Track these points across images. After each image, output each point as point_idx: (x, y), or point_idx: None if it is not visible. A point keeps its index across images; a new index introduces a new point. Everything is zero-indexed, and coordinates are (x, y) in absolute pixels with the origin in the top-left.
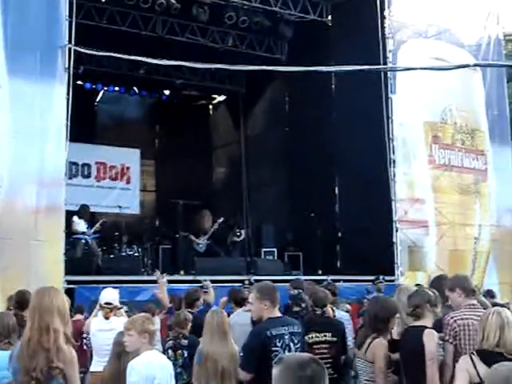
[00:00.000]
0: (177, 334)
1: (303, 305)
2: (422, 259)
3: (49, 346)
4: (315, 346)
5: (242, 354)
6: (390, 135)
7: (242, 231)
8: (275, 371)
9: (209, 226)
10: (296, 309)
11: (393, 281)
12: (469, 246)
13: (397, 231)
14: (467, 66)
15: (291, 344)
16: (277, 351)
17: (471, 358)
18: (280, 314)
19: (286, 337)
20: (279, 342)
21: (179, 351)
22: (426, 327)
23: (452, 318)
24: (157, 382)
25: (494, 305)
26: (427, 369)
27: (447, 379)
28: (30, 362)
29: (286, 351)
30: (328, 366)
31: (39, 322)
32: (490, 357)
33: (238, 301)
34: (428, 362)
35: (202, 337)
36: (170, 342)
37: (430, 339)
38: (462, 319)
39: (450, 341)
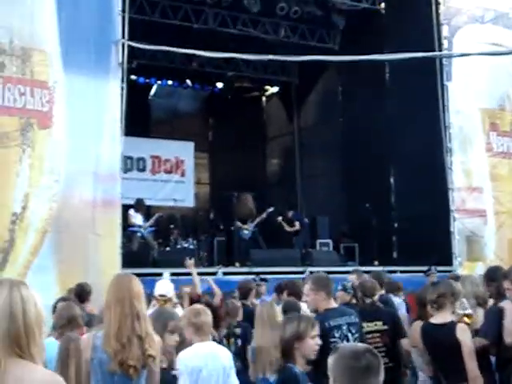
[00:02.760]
0: (228, 324)
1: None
2: (480, 249)
3: (141, 333)
4: (367, 336)
5: None
6: (446, 123)
7: (297, 223)
8: (330, 361)
9: (252, 210)
10: (353, 301)
11: (451, 271)
12: None
13: (454, 221)
14: None
15: (349, 334)
16: (335, 342)
17: None
18: (336, 305)
19: (344, 327)
20: (337, 332)
21: (232, 339)
22: (454, 322)
23: None
24: (204, 374)
25: None
26: (467, 366)
27: None
28: (124, 351)
29: (345, 342)
30: (382, 355)
31: (131, 308)
32: None
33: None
34: (468, 359)
35: (254, 332)
36: (224, 331)
37: (464, 334)
38: None
39: None
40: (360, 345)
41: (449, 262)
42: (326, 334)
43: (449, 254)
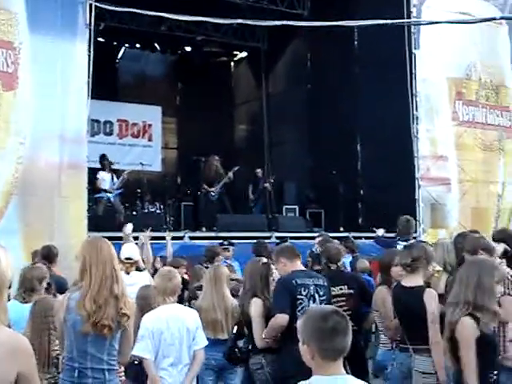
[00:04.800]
0: (193, 287)
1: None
2: (444, 217)
3: (118, 294)
4: (333, 300)
5: (274, 302)
6: (414, 91)
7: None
8: (299, 322)
9: (219, 171)
10: (317, 267)
11: (415, 238)
12: (491, 204)
13: (419, 188)
14: (493, 19)
15: (316, 295)
16: (302, 299)
17: None
18: (304, 268)
19: (311, 287)
20: (304, 290)
21: (193, 301)
22: (423, 287)
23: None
24: (164, 336)
25: None
26: (430, 330)
27: None
28: (99, 311)
29: (311, 301)
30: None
31: (111, 270)
32: None
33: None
34: (430, 324)
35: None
36: (185, 293)
37: (431, 300)
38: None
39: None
40: (328, 306)
41: None
42: (293, 290)
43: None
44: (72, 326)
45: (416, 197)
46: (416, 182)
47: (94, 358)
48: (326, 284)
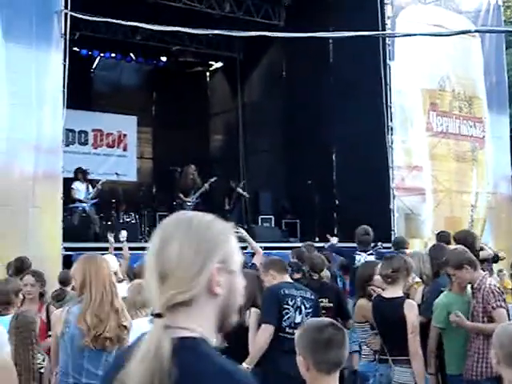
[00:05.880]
0: None
1: (304, 269)
2: (418, 226)
3: (118, 308)
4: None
5: (262, 311)
6: (389, 102)
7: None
8: (296, 335)
9: (195, 181)
10: (297, 276)
11: (389, 248)
12: (465, 214)
13: (394, 198)
14: (467, 31)
15: (302, 307)
16: (288, 309)
17: None
18: (291, 281)
19: (298, 299)
20: (291, 301)
21: None
22: (403, 298)
23: (494, 284)
24: None
25: None
26: (409, 341)
27: None
28: (101, 324)
29: (297, 313)
30: None
31: (110, 285)
32: None
33: None
34: (410, 335)
35: None
36: None
37: (411, 311)
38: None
39: (503, 305)
40: (325, 319)
41: (388, 239)
42: (281, 299)
43: (388, 230)
44: (70, 339)
45: (391, 207)
46: (391, 192)
47: (89, 374)
48: (313, 298)
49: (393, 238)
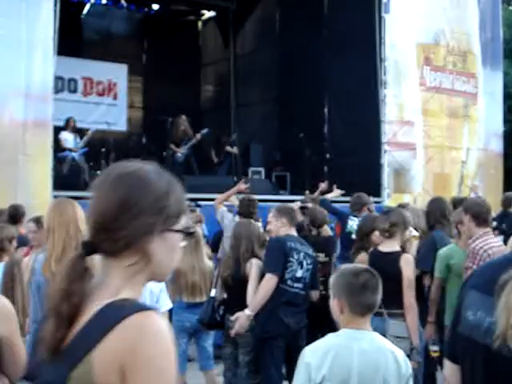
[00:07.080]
0: None
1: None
2: (408, 182)
3: None
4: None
5: (268, 261)
6: (382, 56)
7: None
8: (332, 279)
9: (186, 131)
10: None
11: (379, 202)
12: (455, 170)
13: (385, 153)
14: None
15: (304, 262)
16: (292, 263)
17: None
18: (296, 235)
19: (302, 254)
20: (296, 255)
21: None
22: (400, 252)
23: (480, 247)
24: None
25: None
26: (404, 295)
27: None
28: None
29: (299, 267)
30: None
31: (76, 231)
32: None
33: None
34: (405, 289)
35: None
36: None
37: (408, 265)
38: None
39: (470, 266)
40: (360, 265)
41: (378, 194)
42: (286, 253)
43: (378, 185)
44: (37, 288)
45: (381, 161)
46: (382, 146)
47: None
48: (313, 255)
49: (382, 193)
